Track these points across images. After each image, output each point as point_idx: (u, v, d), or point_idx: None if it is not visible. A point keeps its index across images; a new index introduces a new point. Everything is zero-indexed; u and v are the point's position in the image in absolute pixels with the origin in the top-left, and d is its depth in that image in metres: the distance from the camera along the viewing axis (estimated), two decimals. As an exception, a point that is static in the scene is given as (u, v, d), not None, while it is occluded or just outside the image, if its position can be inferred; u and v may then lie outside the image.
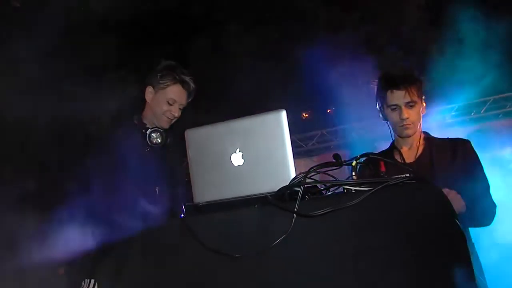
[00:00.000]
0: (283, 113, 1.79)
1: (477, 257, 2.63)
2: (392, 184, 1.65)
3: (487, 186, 2.69)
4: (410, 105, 2.72)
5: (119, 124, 3.13)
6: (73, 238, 2.78)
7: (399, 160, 2.79)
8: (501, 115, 8.42)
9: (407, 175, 1.70)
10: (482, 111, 8.40)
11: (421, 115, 2.81)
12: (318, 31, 12.46)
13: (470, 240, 2.65)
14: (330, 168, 1.78)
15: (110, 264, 2.05)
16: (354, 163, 1.83)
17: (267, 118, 1.84)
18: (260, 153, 1.83)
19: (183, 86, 3.07)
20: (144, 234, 2.02)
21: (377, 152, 2.94)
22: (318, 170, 1.75)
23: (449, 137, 2.86)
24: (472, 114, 8.44)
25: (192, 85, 3.09)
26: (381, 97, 2.81)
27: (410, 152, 2.82)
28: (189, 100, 3.15)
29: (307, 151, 9.33)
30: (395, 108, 2.76)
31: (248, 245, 1.75)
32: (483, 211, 2.62)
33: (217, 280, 1.82)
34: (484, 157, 2.76)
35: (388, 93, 2.76)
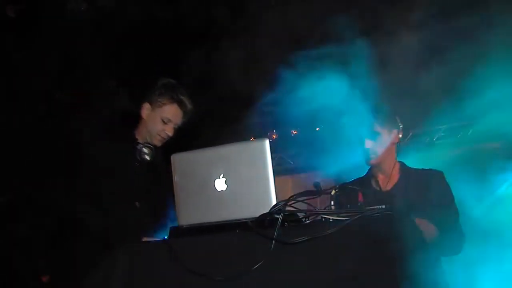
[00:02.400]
0: (266, 142, 1.86)
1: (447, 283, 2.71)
2: (368, 215, 1.72)
3: (457, 216, 2.78)
4: (372, 135, 2.83)
5: (112, 136, 3.16)
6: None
7: (376, 187, 2.88)
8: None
9: (383, 206, 1.76)
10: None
11: (391, 144, 2.89)
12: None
13: (441, 267, 2.73)
14: (309, 197, 1.85)
15: (93, 282, 2.09)
16: (332, 192, 1.90)
17: (251, 146, 1.91)
18: (243, 180, 1.89)
19: (179, 106, 3.09)
20: (129, 253, 2.07)
21: (355, 179, 3.04)
22: (297, 199, 1.82)
23: (423, 167, 2.95)
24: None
25: (189, 106, 3.11)
26: None
27: (386, 180, 2.90)
28: (184, 120, 3.17)
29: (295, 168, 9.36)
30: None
31: (228, 269, 1.81)
32: (453, 240, 2.71)
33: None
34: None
35: None
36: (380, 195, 2.81)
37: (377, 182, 2.89)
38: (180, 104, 3.08)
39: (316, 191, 1.88)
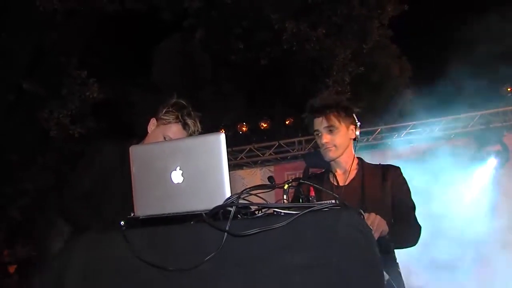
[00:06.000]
0: (222, 136, 1.90)
1: (401, 278, 2.79)
2: (318, 209, 1.78)
3: (412, 208, 2.87)
4: (330, 129, 2.88)
5: (117, 142, 3.16)
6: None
7: (334, 182, 2.94)
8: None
9: (333, 201, 1.82)
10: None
11: (350, 139, 2.95)
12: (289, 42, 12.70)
13: (395, 260, 2.83)
14: (263, 190, 1.89)
15: (49, 273, 2.11)
16: (286, 186, 1.95)
17: (207, 140, 1.95)
18: (198, 172, 1.92)
19: (183, 127, 3.04)
20: (85, 244, 2.09)
21: (313, 174, 3.10)
22: (251, 192, 1.86)
23: (381, 163, 3.04)
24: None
25: (192, 129, 3.06)
26: (309, 125, 3.00)
27: (343, 176, 2.96)
28: None
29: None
30: (318, 134, 2.94)
31: (182, 260, 1.85)
32: (408, 232, 2.80)
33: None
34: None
35: (312, 121, 2.96)
36: (336, 190, 2.87)
37: (334, 177, 2.95)
38: (185, 125, 3.04)
39: (270, 185, 1.92)
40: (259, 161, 9.67)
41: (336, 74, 12.93)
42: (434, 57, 13.13)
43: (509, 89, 9.01)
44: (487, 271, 7.10)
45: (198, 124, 3.09)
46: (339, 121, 2.88)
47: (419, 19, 13.87)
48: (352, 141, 2.97)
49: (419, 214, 2.87)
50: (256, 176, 9.51)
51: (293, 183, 2.04)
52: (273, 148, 9.50)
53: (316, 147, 3.09)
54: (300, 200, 2.14)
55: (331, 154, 2.91)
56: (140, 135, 3.21)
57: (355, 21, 13.31)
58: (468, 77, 8.48)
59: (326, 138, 2.88)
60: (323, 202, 1.82)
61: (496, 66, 9.09)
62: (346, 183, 2.94)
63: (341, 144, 2.90)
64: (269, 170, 9.49)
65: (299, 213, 1.75)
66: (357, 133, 2.94)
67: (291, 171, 9.01)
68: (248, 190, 1.86)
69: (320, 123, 2.90)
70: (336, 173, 2.97)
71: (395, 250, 2.84)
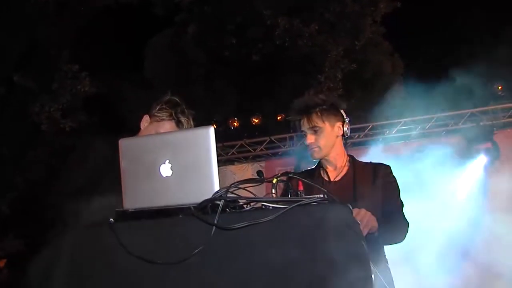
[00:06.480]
0: (211, 129, 1.90)
1: (390, 272, 2.82)
2: (306, 203, 1.78)
3: (401, 206, 2.91)
4: (314, 130, 2.90)
5: (109, 137, 3.14)
6: None
7: (325, 178, 2.96)
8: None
9: (321, 195, 1.83)
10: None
11: (336, 137, 2.96)
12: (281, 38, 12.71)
13: (384, 256, 2.85)
14: (252, 184, 1.90)
15: (38, 268, 2.10)
16: (274, 180, 1.96)
17: (196, 133, 1.95)
18: (187, 166, 1.92)
19: (177, 125, 2.99)
20: (73, 237, 2.09)
21: (304, 170, 3.12)
22: (239, 186, 1.86)
23: (372, 161, 3.07)
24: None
25: (186, 127, 3.01)
26: (295, 126, 3.05)
27: (334, 172, 2.98)
28: None
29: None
30: (304, 134, 2.97)
31: (170, 253, 1.85)
32: (396, 229, 2.82)
33: (139, 285, 1.91)
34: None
35: (298, 122, 3.00)
36: (328, 186, 2.89)
37: (326, 173, 2.97)
38: (178, 123, 2.99)
39: (258, 179, 1.93)
40: (250, 157, 9.69)
41: (328, 71, 12.96)
42: (426, 55, 13.19)
43: (499, 88, 9.06)
44: (475, 267, 7.14)
45: (192, 122, 3.05)
46: (322, 121, 2.90)
47: (412, 16, 13.91)
48: (340, 138, 2.98)
49: (408, 212, 2.90)
50: (247, 171, 9.53)
51: (282, 177, 2.04)
52: (264, 144, 9.52)
53: None
54: (289, 195, 2.15)
55: (315, 155, 2.95)
56: (132, 130, 3.19)
57: (348, 18, 13.35)
58: (460, 75, 8.51)
59: (310, 138, 2.92)
60: (311, 196, 1.82)
61: (488, 64, 9.14)
62: (337, 179, 2.96)
63: (326, 144, 2.92)
64: (260, 165, 9.50)
65: (287, 207, 1.75)
66: (346, 129, 2.95)
67: (282, 167, 9.03)
68: (236, 184, 1.86)
69: (304, 124, 2.94)
70: (327, 169, 2.99)
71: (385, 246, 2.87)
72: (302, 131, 2.97)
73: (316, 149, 2.91)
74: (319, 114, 2.90)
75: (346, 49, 13.43)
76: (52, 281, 2.02)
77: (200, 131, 1.92)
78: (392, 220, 2.78)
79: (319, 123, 2.89)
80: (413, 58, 14.23)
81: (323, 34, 13.15)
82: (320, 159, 3.00)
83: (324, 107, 2.93)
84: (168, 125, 2.98)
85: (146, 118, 3.08)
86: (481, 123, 8.41)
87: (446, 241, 7.16)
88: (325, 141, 2.91)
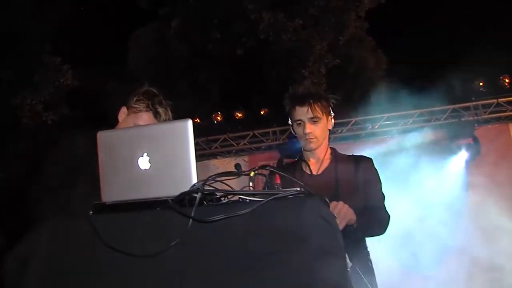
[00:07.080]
0: (189, 122, 1.90)
1: (371, 265, 2.84)
2: (282, 196, 1.80)
3: (382, 198, 2.93)
4: (314, 120, 2.90)
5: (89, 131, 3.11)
6: None
7: (307, 171, 2.97)
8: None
9: (298, 188, 1.84)
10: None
11: (328, 130, 2.98)
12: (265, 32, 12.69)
13: (365, 248, 2.87)
14: (229, 178, 1.91)
15: (14, 261, 2.09)
16: (252, 174, 1.97)
17: (174, 126, 1.95)
18: (165, 159, 1.92)
19: (155, 116, 2.98)
20: (50, 230, 2.08)
21: (286, 163, 3.13)
22: (217, 179, 1.87)
23: (354, 154, 3.08)
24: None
25: (164, 117, 3.01)
26: (289, 113, 2.98)
27: (317, 165, 2.99)
28: None
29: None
30: (300, 123, 2.94)
31: (148, 245, 1.85)
32: (376, 221, 2.85)
33: (115, 278, 1.91)
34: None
35: (294, 109, 2.95)
36: (310, 179, 2.90)
37: (308, 166, 2.98)
38: (156, 114, 2.97)
39: (236, 172, 1.94)
40: (234, 151, 9.70)
41: (312, 65, 12.98)
42: (409, 51, 13.26)
43: (481, 84, 9.14)
44: (455, 262, 7.22)
45: (170, 112, 3.04)
46: (322, 112, 2.91)
47: (395, 12, 13.97)
48: (328, 132, 3.00)
49: (390, 206, 2.92)
50: (230, 165, 9.52)
51: (259, 171, 2.05)
52: (247, 138, 9.54)
53: (292, 137, 3.10)
54: (266, 188, 2.16)
55: (312, 145, 2.94)
56: (111, 124, 3.17)
57: (332, 12, 13.37)
58: (442, 71, 8.60)
59: (309, 128, 2.90)
60: (287, 189, 1.83)
61: (469, 60, 9.22)
62: (319, 172, 2.97)
63: (321, 135, 2.94)
64: (243, 159, 9.52)
65: (263, 200, 1.76)
66: (332, 122, 2.99)
67: (265, 161, 9.04)
68: (214, 177, 1.87)
69: (304, 113, 2.91)
70: (309, 162, 3.00)
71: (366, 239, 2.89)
72: (299, 120, 2.95)
73: (314, 139, 2.92)
74: (320, 104, 2.91)
75: (330, 44, 13.47)
76: (28, 274, 2.02)
77: (179, 124, 1.92)
78: (373, 213, 2.80)
79: (319, 114, 2.90)
80: (396, 54, 14.30)
81: (307, 28, 13.17)
82: (303, 152, 3.01)
83: (324, 98, 2.94)
84: (146, 116, 2.96)
85: (123, 110, 3.05)
86: (463, 119, 8.49)
87: (428, 234, 7.23)
88: (321, 132, 2.93)
